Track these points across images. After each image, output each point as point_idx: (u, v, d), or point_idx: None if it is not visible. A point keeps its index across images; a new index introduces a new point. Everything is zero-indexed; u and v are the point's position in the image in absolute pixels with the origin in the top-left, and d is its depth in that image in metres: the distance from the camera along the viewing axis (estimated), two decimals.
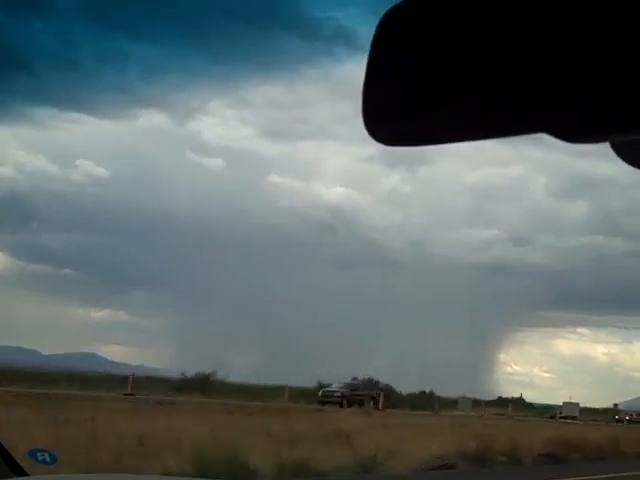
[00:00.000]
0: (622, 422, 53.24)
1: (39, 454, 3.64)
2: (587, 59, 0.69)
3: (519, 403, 67.70)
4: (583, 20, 0.69)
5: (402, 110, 0.79)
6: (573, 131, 0.72)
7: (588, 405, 75.78)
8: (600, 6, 0.69)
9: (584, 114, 0.71)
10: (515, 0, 0.73)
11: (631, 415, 58.96)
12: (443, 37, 0.76)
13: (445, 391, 63.01)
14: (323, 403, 38.02)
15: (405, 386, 61.06)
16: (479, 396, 61.66)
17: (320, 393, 41.65)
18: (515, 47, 0.72)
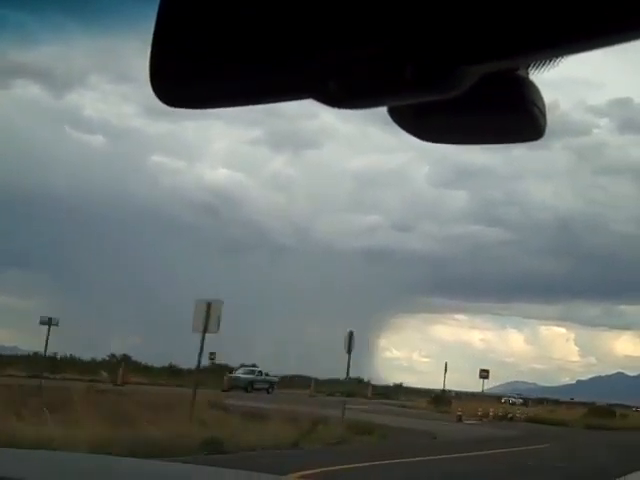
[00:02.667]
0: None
1: None
2: (338, 24, 0.76)
3: (394, 389, 69.37)
4: None
5: (188, 72, 0.84)
6: (335, 97, 0.78)
7: (465, 389, 79.61)
8: None
9: (343, 80, 0.77)
10: None
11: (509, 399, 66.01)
12: (226, 4, 0.82)
13: (326, 375, 63.71)
14: (230, 388, 41.37)
15: (286, 370, 61.71)
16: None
17: (228, 378, 44.78)
18: (278, 16, 0.79)
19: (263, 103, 0.84)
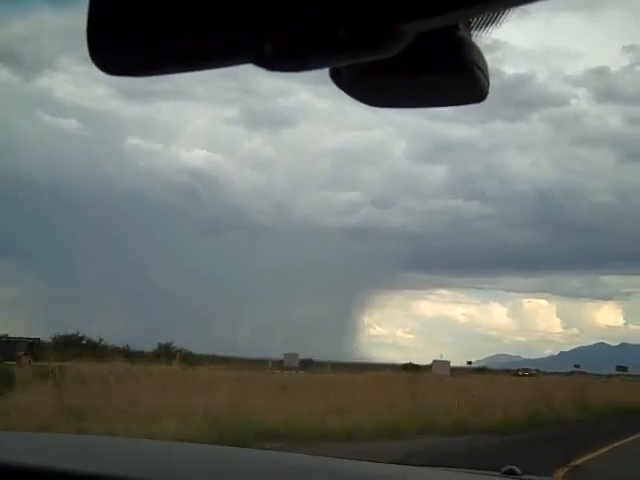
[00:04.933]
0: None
1: None
2: None
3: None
4: None
5: (125, 39, 0.84)
6: (272, 60, 0.79)
7: (454, 364, 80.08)
8: None
9: (279, 42, 0.77)
10: None
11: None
12: None
13: (312, 354, 63.29)
14: None
15: (275, 351, 61.71)
16: (345, 359, 62.58)
17: None
18: None
19: (203, 69, 0.83)
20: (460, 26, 0.86)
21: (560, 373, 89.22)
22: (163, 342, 54.65)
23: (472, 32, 0.87)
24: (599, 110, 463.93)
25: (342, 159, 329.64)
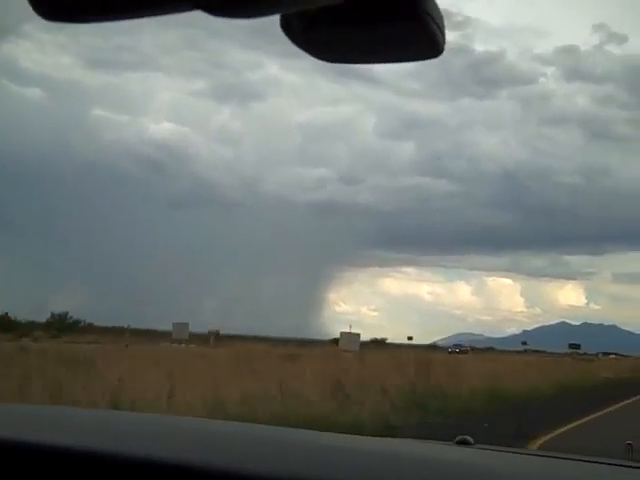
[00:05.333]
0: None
1: None
2: None
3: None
4: None
5: None
6: (216, 4, 0.76)
7: (416, 342, 79.17)
8: None
9: None
10: None
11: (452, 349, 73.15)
12: None
13: (277, 330, 61.38)
14: None
15: (238, 328, 60.39)
16: (310, 335, 61.20)
17: None
18: None
19: (144, 15, 0.79)
20: None
21: (512, 351, 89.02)
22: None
23: None
24: (568, 89, 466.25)
25: (311, 134, 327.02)
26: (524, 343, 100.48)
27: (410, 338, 76.68)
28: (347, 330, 55.59)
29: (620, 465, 1.88)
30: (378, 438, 2.44)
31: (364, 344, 54.87)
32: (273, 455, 1.44)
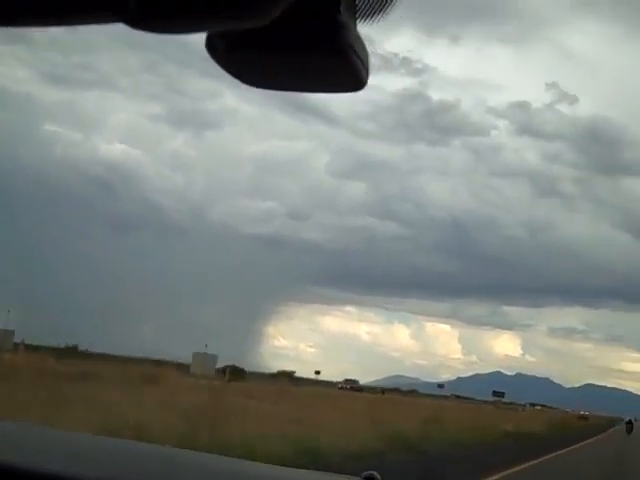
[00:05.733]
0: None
1: None
2: None
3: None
4: None
5: None
6: (136, 17, 0.77)
7: (324, 378, 76.49)
8: None
9: None
10: None
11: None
12: None
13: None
14: None
15: (177, 351, 57.81)
16: (248, 368, 58.69)
17: None
18: None
19: (64, 24, 0.80)
20: (342, 9, 0.86)
21: (437, 396, 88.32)
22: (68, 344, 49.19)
23: (355, 18, 0.87)
24: (518, 144, 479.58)
25: (263, 167, 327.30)
26: (440, 386, 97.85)
27: (317, 372, 73.75)
28: (203, 350, 47.86)
29: None
30: (287, 468, 2.32)
31: (272, 376, 51.54)
32: None
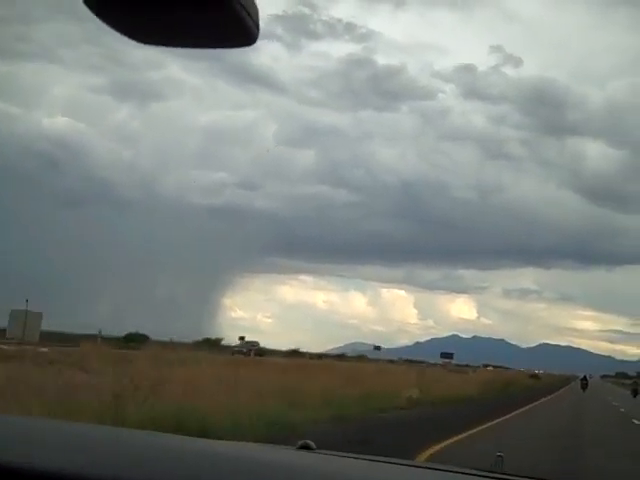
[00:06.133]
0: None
1: None
2: None
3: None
4: None
5: None
6: None
7: (312, 350, 72.07)
8: None
9: None
10: None
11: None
12: None
13: (166, 334, 53.36)
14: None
15: (123, 329, 52.53)
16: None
17: None
18: None
19: None
20: None
21: (385, 361, 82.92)
22: None
23: None
24: (465, 107, 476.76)
25: (211, 138, 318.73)
26: (377, 348, 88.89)
27: (242, 338, 66.22)
28: (23, 308, 39.77)
29: (487, 477, 1.92)
30: (222, 441, 2.28)
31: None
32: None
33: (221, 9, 0.85)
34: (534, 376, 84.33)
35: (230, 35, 0.91)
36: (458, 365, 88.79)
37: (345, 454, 2.03)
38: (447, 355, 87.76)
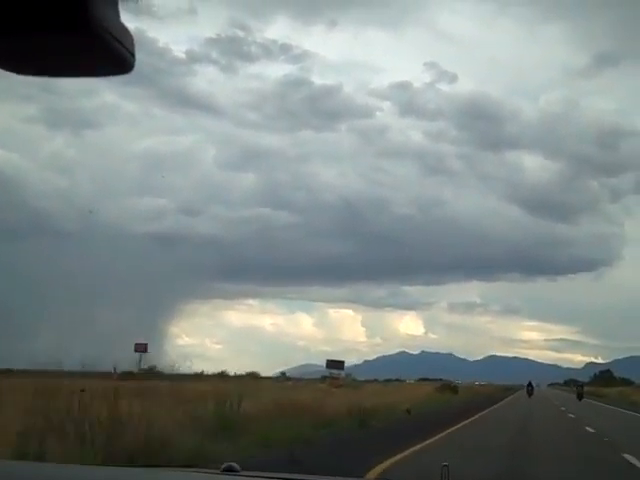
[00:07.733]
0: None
1: None
2: None
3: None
4: None
5: None
6: None
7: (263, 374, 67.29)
8: None
9: None
10: None
11: None
12: None
13: (118, 364, 49.60)
14: None
15: (73, 361, 47.74)
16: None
17: None
18: None
19: None
20: None
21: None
22: None
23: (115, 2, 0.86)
24: (403, 124, 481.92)
25: (149, 164, 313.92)
26: (283, 374, 77.27)
27: (283, 373, 64.49)
28: None
29: None
30: (143, 469, 2.30)
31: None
32: None
33: (92, 41, 0.83)
34: (446, 388, 54.26)
35: (106, 64, 0.89)
36: (388, 380, 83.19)
37: (270, 474, 2.14)
38: (335, 364, 51.86)
